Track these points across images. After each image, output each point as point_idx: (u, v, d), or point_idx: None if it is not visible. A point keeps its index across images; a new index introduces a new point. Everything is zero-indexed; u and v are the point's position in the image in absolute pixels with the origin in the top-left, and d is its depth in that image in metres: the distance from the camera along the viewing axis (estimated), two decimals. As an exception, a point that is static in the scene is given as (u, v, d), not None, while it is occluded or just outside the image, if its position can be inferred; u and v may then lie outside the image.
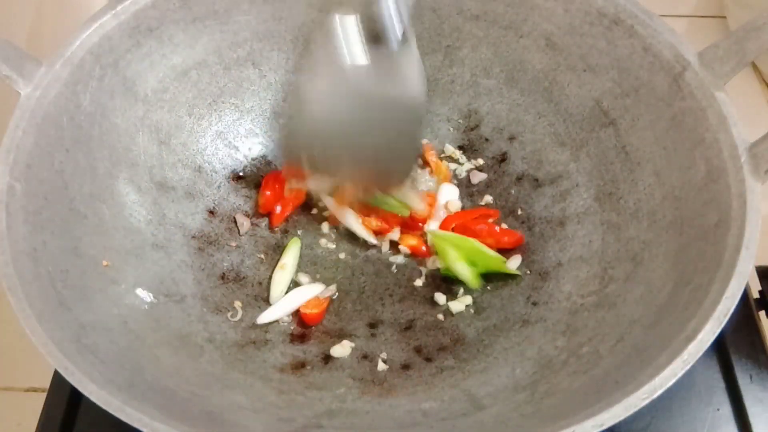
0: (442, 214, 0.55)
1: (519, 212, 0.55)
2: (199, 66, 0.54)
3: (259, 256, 0.54)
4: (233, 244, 0.54)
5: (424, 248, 0.54)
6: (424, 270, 0.54)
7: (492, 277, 0.52)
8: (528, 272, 0.52)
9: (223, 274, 0.52)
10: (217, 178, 0.56)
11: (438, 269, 0.53)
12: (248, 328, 0.50)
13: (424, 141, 0.59)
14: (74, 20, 0.76)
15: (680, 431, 0.47)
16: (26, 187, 0.42)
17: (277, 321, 0.51)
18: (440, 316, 0.51)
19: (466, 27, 0.55)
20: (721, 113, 0.43)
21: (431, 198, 0.55)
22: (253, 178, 0.57)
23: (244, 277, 0.53)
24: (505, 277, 0.52)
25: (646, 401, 0.34)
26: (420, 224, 0.55)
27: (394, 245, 0.54)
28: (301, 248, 0.55)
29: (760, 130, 0.42)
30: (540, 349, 0.46)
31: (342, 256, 0.55)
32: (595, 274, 0.48)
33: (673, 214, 0.45)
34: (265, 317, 0.50)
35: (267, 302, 0.52)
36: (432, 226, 0.55)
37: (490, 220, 0.55)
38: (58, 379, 0.49)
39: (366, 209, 0.54)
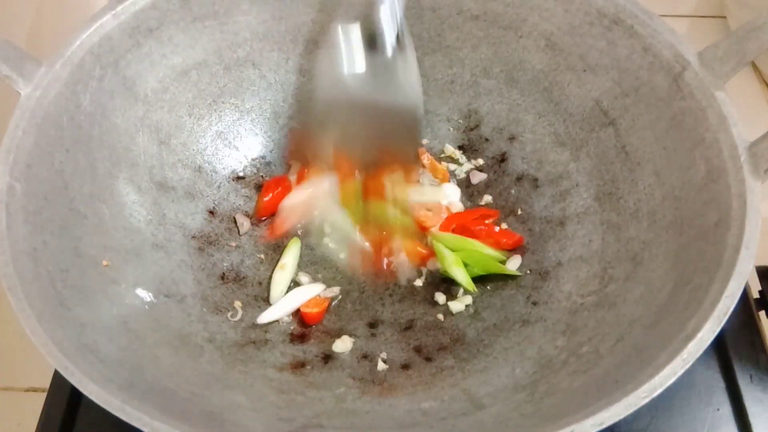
0: (443, 215, 0.55)
1: (519, 212, 0.55)
2: (199, 66, 0.54)
3: (259, 256, 0.54)
4: (233, 244, 0.54)
5: (423, 250, 0.54)
6: (424, 270, 0.54)
7: (492, 277, 0.52)
8: (528, 272, 0.52)
9: (223, 274, 0.52)
10: (217, 178, 0.56)
11: (438, 269, 0.53)
12: (248, 328, 0.50)
13: (422, 142, 0.59)
14: (74, 20, 0.76)
15: (680, 431, 0.47)
16: (26, 187, 0.42)
17: (277, 321, 0.51)
18: (440, 316, 0.51)
19: (466, 27, 0.55)
20: (721, 113, 0.43)
21: (437, 208, 0.55)
22: (253, 178, 0.57)
23: (244, 277, 0.53)
24: (505, 277, 0.52)
25: (646, 400, 0.34)
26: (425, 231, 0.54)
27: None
28: (302, 248, 0.55)
29: (760, 130, 0.42)
30: (540, 348, 0.46)
31: (342, 255, 0.55)
32: (595, 274, 0.48)
33: (673, 214, 0.45)
34: (265, 317, 0.50)
35: (267, 302, 0.52)
36: (433, 228, 0.55)
37: (490, 221, 0.55)
38: (58, 379, 0.49)
39: (370, 228, 0.53)
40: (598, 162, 0.51)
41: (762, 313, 0.53)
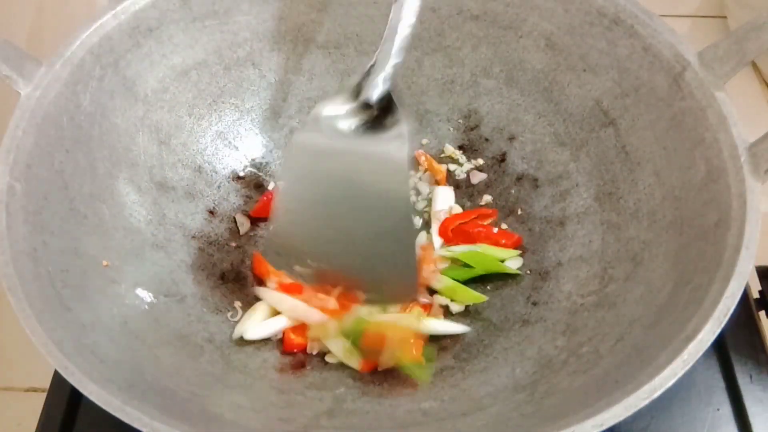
0: (441, 216, 0.55)
1: (519, 212, 0.55)
2: (199, 66, 0.54)
3: (259, 256, 0.54)
4: (233, 244, 0.54)
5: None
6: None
7: (492, 277, 0.52)
8: (528, 272, 0.52)
9: (223, 274, 0.52)
10: (217, 178, 0.56)
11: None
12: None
13: (422, 142, 0.59)
14: (74, 20, 0.76)
15: (680, 431, 0.47)
16: (26, 187, 0.42)
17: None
18: (440, 316, 0.51)
19: (466, 27, 0.55)
20: (721, 113, 0.43)
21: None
22: (253, 178, 0.57)
23: (244, 277, 0.53)
24: (504, 277, 0.52)
25: (646, 401, 0.34)
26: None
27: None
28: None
29: (760, 130, 0.42)
30: (540, 348, 0.46)
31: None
32: (595, 274, 0.48)
33: (673, 214, 0.45)
34: (251, 333, 0.48)
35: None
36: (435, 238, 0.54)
37: (488, 221, 0.55)
38: (58, 379, 0.49)
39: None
40: (598, 162, 0.51)
41: (762, 313, 0.53)
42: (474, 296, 0.51)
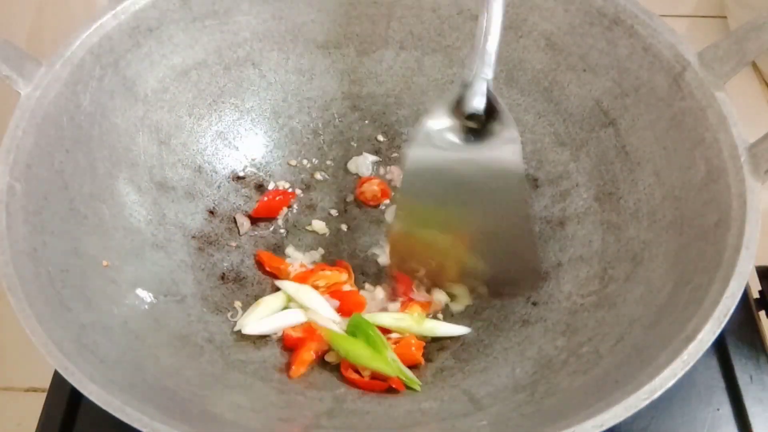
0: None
1: (519, 212, 0.55)
2: (199, 66, 0.54)
3: (259, 256, 0.54)
4: (233, 244, 0.54)
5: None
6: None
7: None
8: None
9: (223, 274, 0.52)
10: (217, 178, 0.56)
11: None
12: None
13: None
14: (74, 20, 0.76)
15: (680, 431, 0.47)
16: (26, 187, 0.42)
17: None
18: (440, 316, 0.51)
19: (466, 27, 0.55)
20: (721, 113, 0.43)
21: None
22: (253, 178, 0.57)
23: (244, 277, 0.53)
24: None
25: (647, 401, 0.34)
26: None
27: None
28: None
29: (760, 130, 0.42)
30: (540, 349, 0.46)
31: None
32: (595, 274, 0.48)
33: (673, 214, 0.45)
34: (250, 328, 0.48)
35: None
36: None
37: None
38: (58, 379, 0.49)
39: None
40: (598, 162, 0.51)
41: (762, 313, 0.53)
42: None
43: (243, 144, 0.57)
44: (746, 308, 0.52)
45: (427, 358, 0.48)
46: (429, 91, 0.58)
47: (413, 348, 0.48)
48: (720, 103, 0.43)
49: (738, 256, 0.38)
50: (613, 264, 0.47)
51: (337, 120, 0.59)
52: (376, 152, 0.59)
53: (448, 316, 0.51)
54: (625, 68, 0.49)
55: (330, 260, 0.55)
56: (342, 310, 0.50)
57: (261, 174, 0.58)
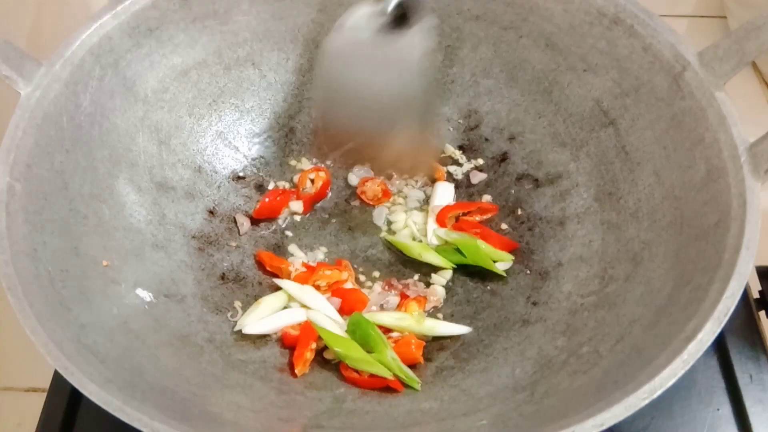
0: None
1: (519, 212, 0.55)
2: (199, 66, 0.54)
3: (259, 256, 0.54)
4: (233, 244, 0.54)
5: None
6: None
7: (492, 277, 0.52)
8: (528, 272, 0.52)
9: (223, 274, 0.52)
10: (217, 178, 0.56)
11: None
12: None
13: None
14: (74, 20, 0.76)
15: (680, 431, 0.47)
16: (26, 187, 0.42)
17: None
18: (440, 315, 0.51)
19: (466, 27, 0.55)
20: (721, 113, 0.43)
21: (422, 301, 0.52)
22: (253, 178, 0.57)
23: (244, 277, 0.53)
24: (504, 277, 0.52)
25: (646, 401, 0.34)
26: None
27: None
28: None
29: (760, 130, 0.42)
30: (540, 349, 0.46)
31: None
32: (595, 274, 0.48)
33: (673, 213, 0.45)
34: (251, 328, 0.49)
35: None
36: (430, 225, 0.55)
37: (488, 216, 0.55)
38: (58, 379, 0.49)
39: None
40: (598, 162, 0.51)
41: (762, 313, 0.53)
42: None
43: (243, 144, 0.57)
44: (746, 308, 0.52)
45: (427, 357, 0.48)
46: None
47: (413, 347, 0.48)
48: (720, 103, 0.43)
49: (738, 256, 0.38)
50: (613, 264, 0.47)
51: (337, 120, 0.59)
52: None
53: (449, 316, 0.51)
54: (625, 68, 0.49)
55: (330, 259, 0.55)
56: (344, 309, 0.50)
57: (261, 174, 0.58)
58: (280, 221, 0.56)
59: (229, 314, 0.50)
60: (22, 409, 0.70)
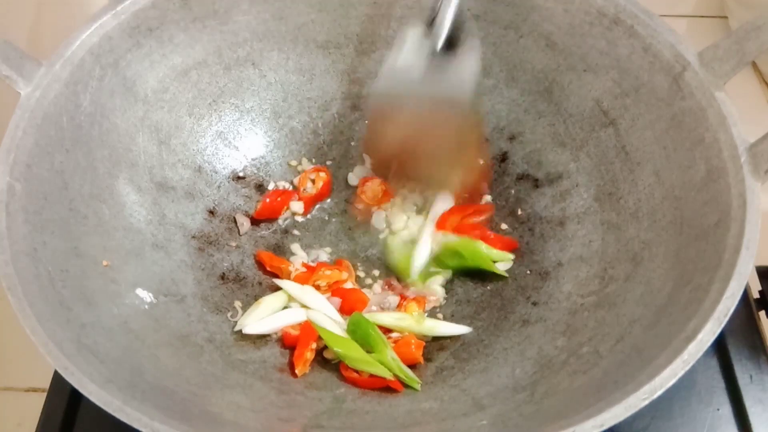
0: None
1: (519, 212, 0.55)
2: (199, 66, 0.54)
3: (259, 256, 0.54)
4: (233, 244, 0.54)
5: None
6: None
7: (492, 278, 0.52)
8: (528, 272, 0.52)
9: (223, 274, 0.52)
10: (217, 178, 0.56)
11: None
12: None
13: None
14: (74, 20, 0.76)
15: (680, 431, 0.47)
16: (26, 187, 0.42)
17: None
18: (440, 316, 0.51)
19: (466, 27, 0.55)
20: (721, 113, 0.43)
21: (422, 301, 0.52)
22: (253, 178, 0.57)
23: (244, 277, 0.53)
24: (504, 278, 0.52)
25: (646, 401, 0.34)
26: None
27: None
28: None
29: (760, 130, 0.42)
30: (540, 349, 0.46)
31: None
32: (595, 274, 0.48)
33: (673, 214, 0.45)
34: (251, 328, 0.49)
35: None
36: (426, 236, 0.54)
37: (485, 216, 0.55)
38: (58, 379, 0.49)
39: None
40: (598, 162, 0.51)
41: (762, 313, 0.53)
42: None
43: (243, 144, 0.57)
44: (746, 308, 0.52)
45: (427, 357, 0.48)
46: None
47: (413, 347, 0.48)
48: (720, 103, 0.43)
49: (738, 256, 0.38)
50: (613, 264, 0.47)
51: (337, 120, 0.59)
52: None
53: (449, 316, 0.51)
54: (625, 68, 0.49)
55: (331, 259, 0.55)
56: (344, 309, 0.50)
57: (261, 174, 0.58)
58: (280, 221, 0.56)
59: (229, 314, 0.50)
60: (22, 409, 0.70)
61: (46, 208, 0.43)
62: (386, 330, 0.49)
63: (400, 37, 0.49)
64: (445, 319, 0.51)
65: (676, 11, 0.97)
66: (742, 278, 0.37)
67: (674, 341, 0.36)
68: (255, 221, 0.56)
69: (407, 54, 0.48)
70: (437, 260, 0.53)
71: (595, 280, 0.48)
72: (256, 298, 0.51)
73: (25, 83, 0.44)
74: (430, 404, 0.44)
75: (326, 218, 0.57)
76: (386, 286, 0.52)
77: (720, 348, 0.50)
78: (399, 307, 0.51)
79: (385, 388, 0.46)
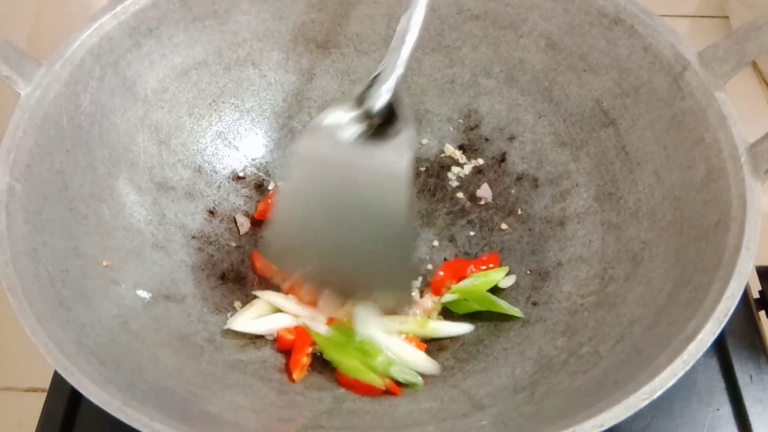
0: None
1: (519, 212, 0.55)
2: (199, 66, 0.54)
3: (259, 256, 0.54)
4: (233, 244, 0.54)
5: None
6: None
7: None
8: (528, 272, 0.52)
9: (223, 274, 0.52)
10: (217, 178, 0.56)
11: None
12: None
13: (422, 142, 0.59)
14: (74, 20, 0.76)
15: (680, 431, 0.47)
16: (26, 187, 0.42)
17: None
18: (440, 316, 0.51)
19: (466, 27, 0.55)
20: (721, 113, 0.43)
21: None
22: (253, 178, 0.57)
23: (244, 277, 0.53)
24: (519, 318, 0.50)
25: (646, 401, 0.34)
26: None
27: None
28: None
29: (760, 130, 0.42)
30: (540, 349, 0.46)
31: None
32: (595, 274, 0.48)
33: (673, 214, 0.45)
34: (239, 325, 0.48)
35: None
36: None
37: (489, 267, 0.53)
38: (58, 379, 0.49)
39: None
40: (598, 162, 0.51)
41: (762, 313, 0.53)
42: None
43: (243, 144, 0.57)
44: (746, 308, 0.52)
45: (427, 358, 0.48)
46: (429, 90, 0.58)
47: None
48: (720, 103, 0.43)
49: (738, 256, 0.38)
50: (613, 264, 0.47)
51: (337, 120, 0.59)
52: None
53: (449, 315, 0.51)
54: (625, 68, 0.49)
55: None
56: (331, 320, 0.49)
57: (261, 174, 0.58)
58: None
59: (229, 314, 0.50)
60: (22, 409, 0.70)
61: (46, 208, 0.43)
62: None
63: (329, 105, 0.45)
64: (445, 318, 0.51)
65: (676, 11, 0.97)
66: (742, 278, 0.37)
67: (674, 341, 0.36)
68: (256, 222, 0.56)
69: (337, 114, 0.44)
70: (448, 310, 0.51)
71: (595, 280, 0.48)
72: (256, 297, 0.51)
73: (25, 83, 0.44)
74: (430, 404, 0.44)
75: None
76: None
77: (720, 348, 0.50)
78: None
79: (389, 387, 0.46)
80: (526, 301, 0.50)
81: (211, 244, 0.53)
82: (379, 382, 0.45)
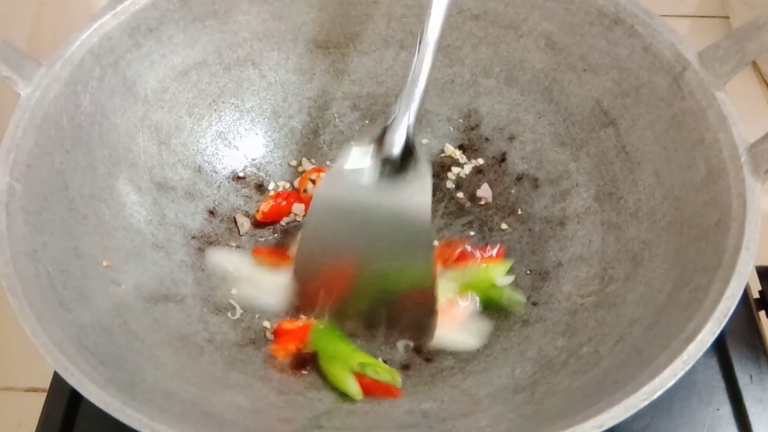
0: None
1: (519, 212, 0.55)
2: (199, 66, 0.54)
3: (259, 256, 0.54)
4: (233, 244, 0.54)
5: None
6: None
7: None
8: (528, 272, 0.52)
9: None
10: (217, 178, 0.56)
11: None
12: (248, 328, 0.50)
13: (422, 142, 0.59)
14: (74, 20, 0.76)
15: (680, 431, 0.47)
16: (26, 187, 0.42)
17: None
18: (440, 316, 0.51)
19: (466, 27, 0.55)
20: (721, 113, 0.43)
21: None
22: (253, 178, 0.57)
23: (244, 277, 0.53)
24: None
25: (646, 402, 0.34)
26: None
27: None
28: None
29: (760, 130, 0.42)
30: (540, 349, 0.46)
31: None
32: (595, 274, 0.48)
33: (673, 214, 0.45)
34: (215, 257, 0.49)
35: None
36: None
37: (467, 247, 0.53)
38: (58, 379, 0.49)
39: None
40: (598, 162, 0.51)
41: (762, 313, 0.53)
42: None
43: (243, 144, 0.57)
44: (746, 308, 0.52)
45: (427, 358, 0.48)
46: (429, 90, 0.57)
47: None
48: (720, 103, 0.43)
49: (738, 256, 0.38)
50: (613, 264, 0.47)
51: (337, 120, 0.59)
52: (376, 152, 0.59)
53: (448, 316, 0.51)
54: (626, 68, 0.49)
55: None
56: None
57: (261, 174, 0.58)
58: (282, 222, 0.56)
59: (229, 314, 0.50)
60: (22, 409, 0.70)
61: (46, 208, 0.43)
62: None
63: (344, 150, 0.46)
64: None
65: (677, 11, 0.97)
66: (742, 278, 0.37)
67: (674, 341, 0.36)
68: (258, 224, 0.55)
69: (356, 159, 0.45)
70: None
71: (595, 280, 0.48)
72: (256, 298, 0.51)
73: (25, 84, 0.44)
74: (430, 404, 0.44)
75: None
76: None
77: (720, 348, 0.50)
78: None
79: (384, 389, 0.46)
80: (526, 301, 0.50)
81: (211, 244, 0.53)
82: (352, 393, 0.45)
